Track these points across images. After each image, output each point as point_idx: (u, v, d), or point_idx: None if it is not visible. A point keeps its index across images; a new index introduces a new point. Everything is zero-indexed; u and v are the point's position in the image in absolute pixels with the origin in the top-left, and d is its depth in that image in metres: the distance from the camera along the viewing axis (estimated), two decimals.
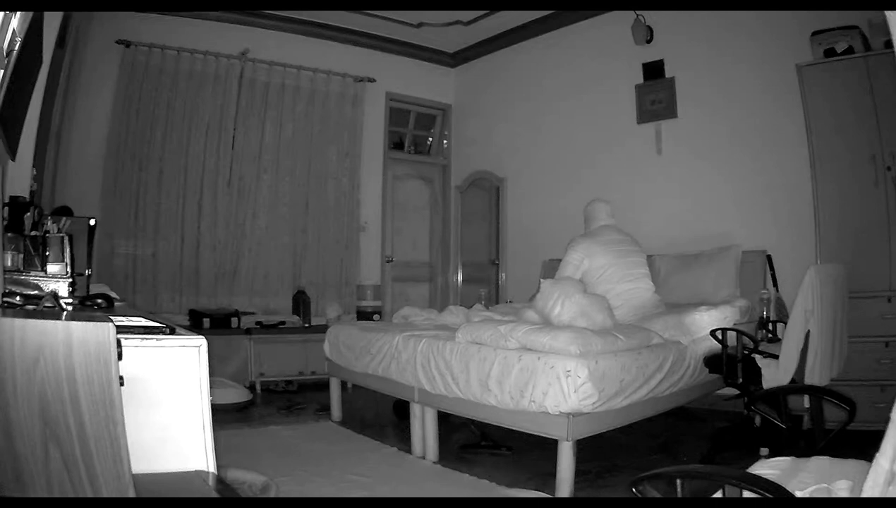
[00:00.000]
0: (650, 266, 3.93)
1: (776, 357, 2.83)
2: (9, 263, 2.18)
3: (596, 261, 3.66)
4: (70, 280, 2.31)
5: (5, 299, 1.82)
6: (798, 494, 1.25)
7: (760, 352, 3.05)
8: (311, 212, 5.95)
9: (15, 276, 2.15)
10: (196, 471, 1.36)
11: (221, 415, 3.82)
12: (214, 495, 1.24)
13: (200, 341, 1.40)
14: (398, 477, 2.95)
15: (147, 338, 1.36)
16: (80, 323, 0.95)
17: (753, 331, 3.38)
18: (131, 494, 0.97)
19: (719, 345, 3.17)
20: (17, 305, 1.79)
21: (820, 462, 1.54)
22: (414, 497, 2.69)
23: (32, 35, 2.19)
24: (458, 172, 6.89)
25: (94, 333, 0.95)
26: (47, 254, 2.36)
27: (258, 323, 5.25)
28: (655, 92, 4.97)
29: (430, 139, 7.13)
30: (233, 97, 5.60)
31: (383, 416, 4.24)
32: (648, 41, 4.97)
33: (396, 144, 6.87)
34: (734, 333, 3.15)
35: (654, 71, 4.97)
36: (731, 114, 4.53)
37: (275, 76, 5.78)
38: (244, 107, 5.67)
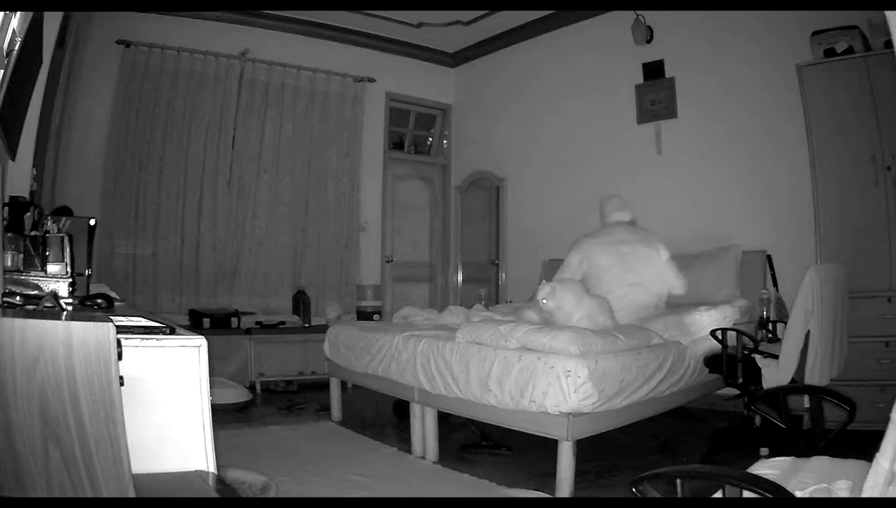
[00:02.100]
0: None
1: (776, 357, 2.83)
2: (9, 263, 2.18)
3: (596, 262, 3.65)
4: (70, 280, 2.31)
5: (5, 299, 1.82)
6: (798, 494, 1.25)
7: (760, 352, 3.05)
8: (311, 212, 5.94)
9: (15, 276, 2.15)
10: (196, 471, 1.36)
11: (221, 415, 3.82)
12: (214, 495, 1.24)
13: (200, 341, 1.40)
14: (398, 477, 2.95)
15: (147, 338, 1.36)
16: (80, 323, 0.95)
17: (753, 331, 3.38)
18: (131, 494, 0.97)
19: (719, 345, 3.17)
20: (17, 305, 1.79)
21: (820, 462, 1.54)
22: (414, 497, 2.69)
23: (32, 35, 2.19)
24: (458, 172, 6.89)
25: (94, 333, 0.95)
26: (47, 253, 2.36)
27: (258, 323, 5.25)
28: (655, 92, 4.97)
29: (430, 139, 7.13)
30: (233, 97, 5.61)
31: (383, 416, 4.24)
32: (648, 41, 4.96)
33: (396, 144, 6.87)
34: (734, 333, 3.15)
35: (654, 71, 4.97)
36: (731, 114, 4.52)
37: (275, 76, 5.78)
38: (244, 107, 5.67)
